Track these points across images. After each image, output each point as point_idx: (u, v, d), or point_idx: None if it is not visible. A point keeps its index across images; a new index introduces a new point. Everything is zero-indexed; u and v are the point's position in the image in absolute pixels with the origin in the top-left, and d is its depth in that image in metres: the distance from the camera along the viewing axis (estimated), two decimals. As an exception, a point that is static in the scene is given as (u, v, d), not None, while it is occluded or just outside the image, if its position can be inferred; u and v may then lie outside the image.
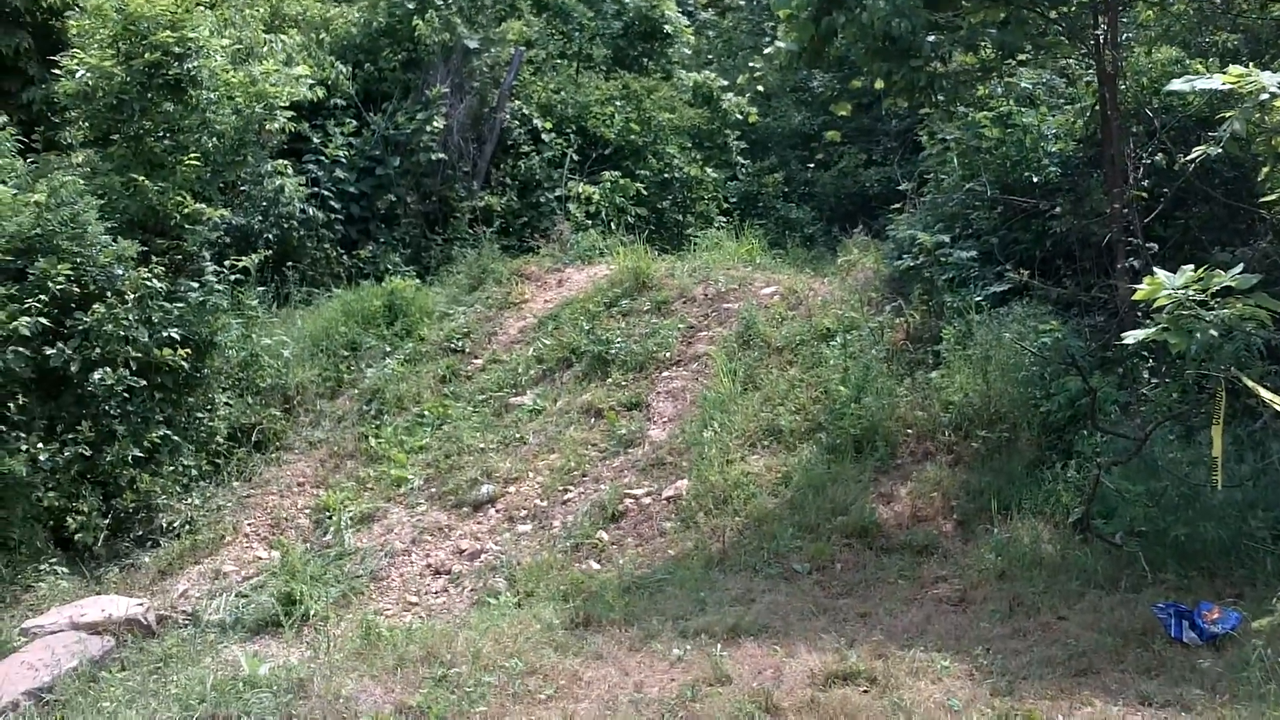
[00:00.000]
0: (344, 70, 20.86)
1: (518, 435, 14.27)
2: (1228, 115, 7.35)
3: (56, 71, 15.87)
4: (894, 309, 14.76)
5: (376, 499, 13.41)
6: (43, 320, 12.82)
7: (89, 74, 15.23)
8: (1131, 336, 7.58)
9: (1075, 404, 11.65)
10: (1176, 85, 7.81)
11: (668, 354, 15.23)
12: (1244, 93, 7.17)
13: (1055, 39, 14.08)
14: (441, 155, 20.89)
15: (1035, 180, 14.47)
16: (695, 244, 20.43)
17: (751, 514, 11.88)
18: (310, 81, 18.22)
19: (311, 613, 11.07)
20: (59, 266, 13.14)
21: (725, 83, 25.32)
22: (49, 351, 12.99)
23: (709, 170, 23.63)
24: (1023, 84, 15.83)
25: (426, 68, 21.63)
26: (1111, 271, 12.91)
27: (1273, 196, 8.41)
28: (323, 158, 19.90)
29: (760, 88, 22.75)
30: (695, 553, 11.40)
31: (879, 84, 13.46)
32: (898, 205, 16.98)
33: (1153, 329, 7.25)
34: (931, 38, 12.68)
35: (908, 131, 22.47)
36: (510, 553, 11.91)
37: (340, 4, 23.54)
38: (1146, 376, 11.97)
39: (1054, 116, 15.08)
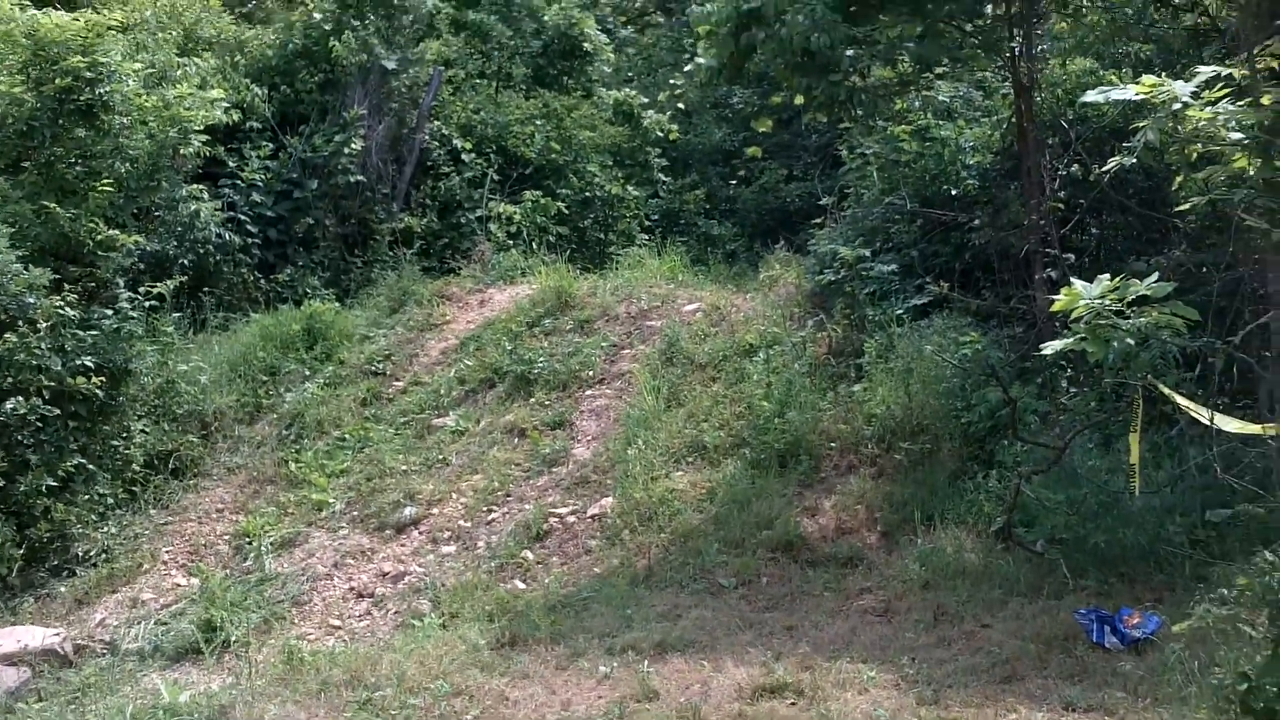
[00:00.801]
0: (260, 93, 20.65)
1: (440, 457, 14.16)
2: (1141, 125, 7.39)
3: (-37, 98, 15.62)
4: (816, 323, 14.80)
5: (297, 523, 13.25)
6: (-50, 353, 12.61)
7: (-2, 100, 15.04)
8: (1050, 347, 7.60)
9: (996, 414, 11.73)
10: (1091, 96, 7.85)
11: (591, 372, 15.18)
12: (1157, 103, 7.22)
13: (972, 52, 14.21)
14: (360, 177, 20.73)
15: (954, 193, 14.58)
16: (617, 262, 20.39)
17: (677, 530, 11.85)
18: (225, 105, 18.04)
19: (232, 639, 10.90)
20: (-32, 296, 12.94)
21: (646, 100, 25.32)
22: (-41, 383, 12.78)
23: (630, 188, 23.61)
24: (940, 97, 15.95)
25: (344, 89, 21.48)
26: (1030, 282, 13.02)
27: (1186, 205, 8.47)
28: (239, 181, 19.68)
29: (681, 105, 22.90)
30: (621, 570, 11.36)
31: (799, 99, 13.51)
32: (819, 220, 17.06)
33: (1071, 339, 7.27)
34: (850, 52, 12.77)
35: (828, 146, 22.59)
36: (434, 574, 11.80)
37: (255, 26, 23.36)
38: (1065, 386, 12.07)
39: (972, 129, 15.20)
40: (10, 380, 12.92)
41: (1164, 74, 7.47)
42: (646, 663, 9.05)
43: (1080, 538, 10.19)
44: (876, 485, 12.01)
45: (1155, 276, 7.30)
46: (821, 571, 11.03)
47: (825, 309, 14.99)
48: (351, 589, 11.90)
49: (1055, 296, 7.35)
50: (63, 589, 12.55)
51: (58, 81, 14.94)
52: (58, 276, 14.09)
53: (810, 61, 12.64)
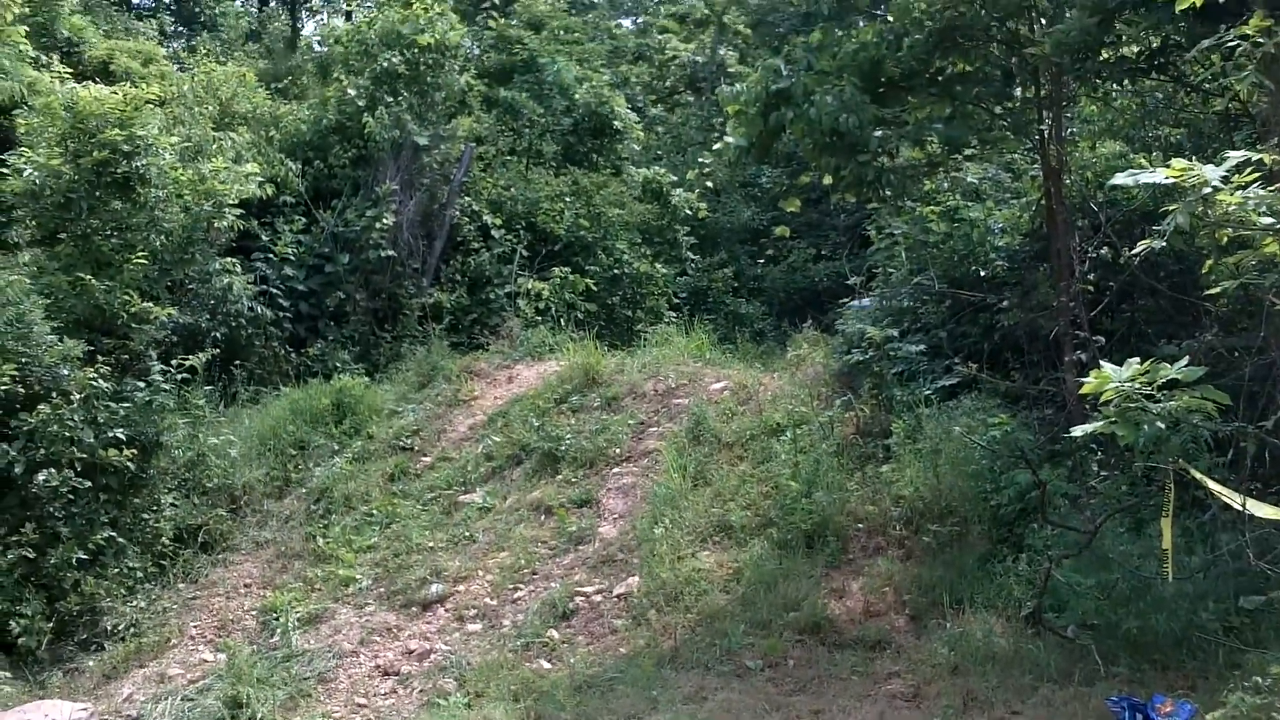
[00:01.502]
0: (294, 167, 20.89)
1: (467, 533, 14.14)
2: (1171, 209, 7.41)
3: (4, 170, 15.81)
4: (843, 403, 14.77)
5: (324, 599, 13.21)
6: (-14, 422, 12.69)
7: (37, 172, 15.24)
8: (1080, 430, 7.59)
9: (1025, 497, 11.66)
10: (1121, 179, 7.87)
11: (618, 450, 15.17)
12: (1187, 186, 7.24)
13: (1001, 134, 14.25)
14: (391, 252, 20.89)
15: (983, 274, 14.60)
16: (645, 340, 20.42)
17: (703, 610, 11.78)
18: (259, 179, 18.26)
19: (258, 716, 10.84)
20: (4, 367, 13.02)
21: (675, 178, 25.51)
22: (-8, 453, 12.85)
23: (659, 266, 23.74)
24: (969, 179, 16.01)
25: (376, 164, 21.70)
26: (1059, 365, 12.99)
27: (1217, 289, 8.47)
28: (271, 255, 19.85)
29: (709, 183, 22.98)
30: (647, 650, 11.27)
31: (827, 179, 13.57)
32: (846, 299, 17.07)
33: (1101, 422, 7.26)
34: (878, 133, 12.80)
35: (856, 226, 22.72)
36: (460, 652, 11.74)
37: (290, 102, 23.65)
38: (1095, 469, 12.01)
39: (1000, 211, 15.24)
40: (43, 452, 12.97)
41: (1194, 158, 7.49)
42: (672, 745, 9.00)
43: (1112, 623, 10.10)
44: (904, 567, 11.93)
45: (1186, 360, 7.30)
46: (849, 654, 10.93)
47: (853, 389, 14.97)
48: (377, 666, 11.84)
49: (1085, 379, 7.34)
50: (91, 663, 12.54)
51: (95, 154, 15.14)
52: (91, 348, 14.20)
53: (839, 142, 12.68)
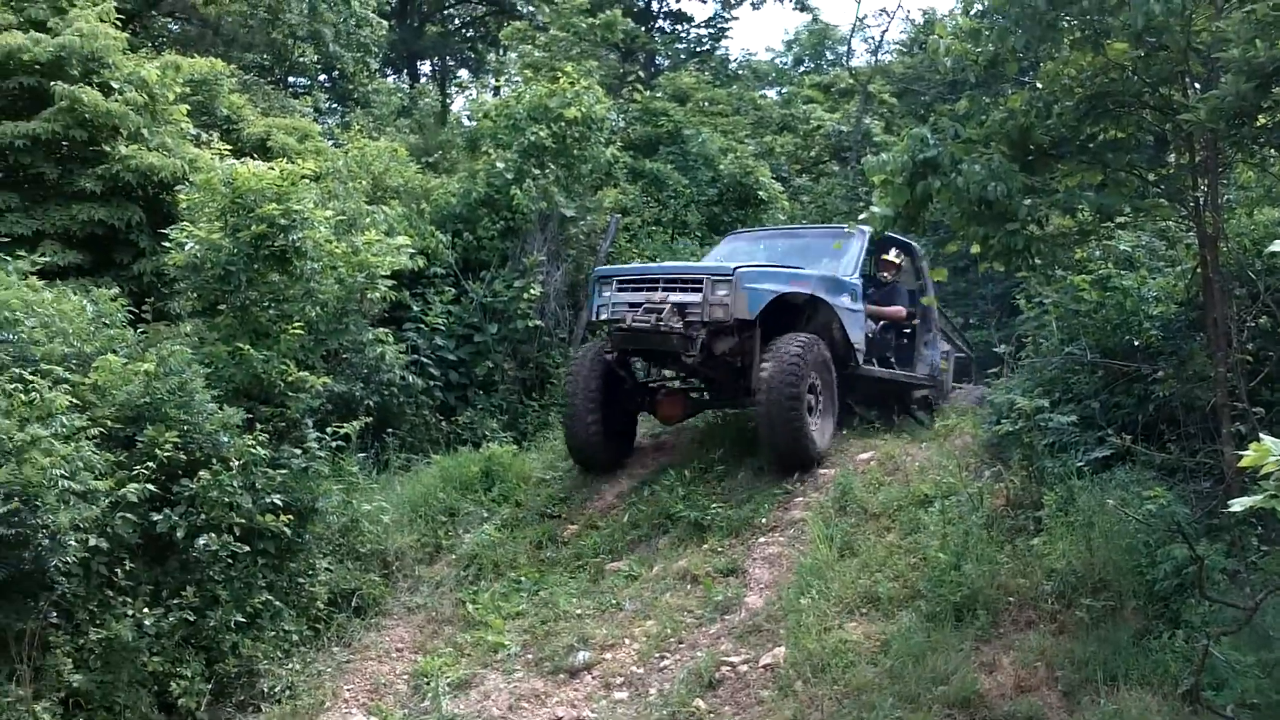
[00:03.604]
0: (444, 239, 21.31)
1: (614, 601, 14.20)
2: (1331, 277, 7.30)
3: (166, 244, 16.35)
4: (993, 474, 14.61)
5: (474, 665, 13.33)
6: (150, 487, 13.02)
7: (197, 246, 15.68)
8: (1239, 504, 7.43)
9: (1182, 572, 11.40)
10: (1279, 247, 7.76)
11: (764, 520, 15.16)
12: (1347, 254, 7.13)
13: (1154, 201, 14.04)
14: (538, 322, 21.18)
15: (1136, 344, 14.37)
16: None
17: (850, 683, 11.67)
18: (411, 251, 18.63)
19: (408, 780, 10.97)
20: (166, 434, 13.38)
21: (821, 248, 25.48)
22: (156, 518, 13.17)
23: (810, 335, 23.69)
24: (1122, 246, 15.78)
25: (524, 236, 22.04)
26: (1217, 437, 12.72)
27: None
28: (422, 325, 20.23)
29: (856, 253, 22.87)
30: (794, 722, 11.22)
31: (975, 248, 13.46)
32: (995, 369, 16.91)
33: (1260, 496, 7.11)
34: (1028, 201, 12.68)
35: (1005, 295, 22.50)
36: (607, 720, 11.80)
37: (440, 175, 24.16)
38: (1256, 544, 11.73)
39: (1154, 279, 15.01)
40: (203, 517, 13.30)
41: (1355, 227, 7.37)
42: (821, 819, 8.93)
43: (1273, 703, 9.82)
44: (1057, 642, 11.72)
45: (1350, 434, 7.13)
46: (1000, 730, 10.77)
47: (1002, 460, 14.80)
48: (526, 734, 11.95)
49: (1244, 452, 7.18)
50: (246, 725, 12.80)
51: (253, 228, 15.55)
52: (250, 416, 14.55)
53: (987, 210, 12.60)
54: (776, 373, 15.41)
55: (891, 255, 19.19)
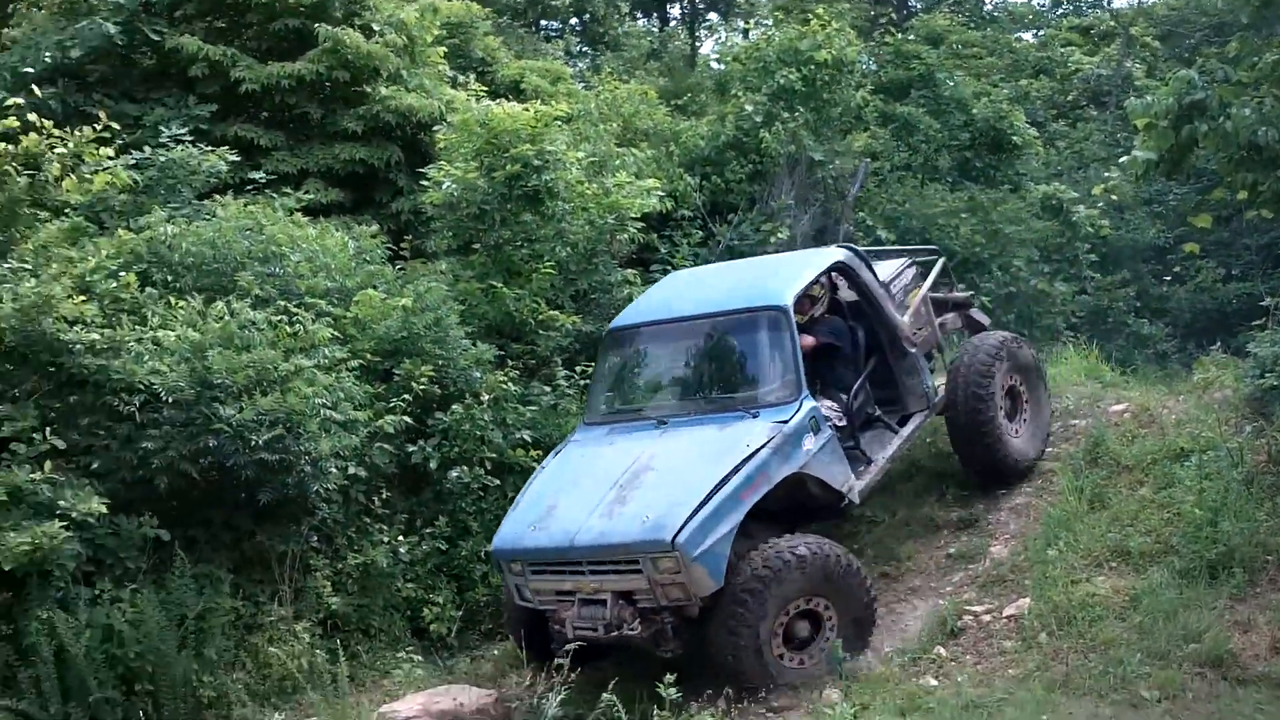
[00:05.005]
0: (692, 182, 21.37)
1: (854, 546, 14.16)
2: None
3: (424, 183, 16.81)
4: (1254, 430, 14.07)
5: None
6: (406, 419, 13.51)
7: (454, 185, 16.08)
8: None
9: None
10: None
11: (1011, 470, 14.92)
12: None
13: None
14: (786, 266, 21.11)
15: None
16: (1041, 359, 19.97)
17: (1096, 637, 11.43)
18: (659, 193, 18.72)
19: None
20: (422, 368, 13.84)
21: (1076, 194, 24.85)
22: (411, 449, 13.68)
23: (1057, 284, 23.19)
24: (1401, 195, 15.01)
25: (772, 180, 21.97)
26: None
27: None
28: (669, 267, 20.34)
29: (1114, 198, 22.30)
30: (1036, 674, 11.03)
31: (1242, 195, 12.99)
32: (1260, 322, 16.29)
33: None
34: (1300, 147, 12.19)
35: (1272, 245, 21.63)
36: (847, 664, 11.79)
37: (689, 118, 24.21)
38: None
39: None
40: (456, 450, 13.73)
41: None
42: (1062, 772, 8.81)
43: None
44: (1317, 603, 11.31)
45: None
46: (1253, 691, 10.40)
47: (1265, 415, 14.25)
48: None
49: None
50: (495, 652, 13.18)
51: (508, 168, 15.89)
52: (501, 353, 14.95)
53: (1256, 156, 12.14)
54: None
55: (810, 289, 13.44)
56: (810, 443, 11.94)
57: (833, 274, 13.62)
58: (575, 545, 11.23)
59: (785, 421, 11.76)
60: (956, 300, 15.99)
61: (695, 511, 10.87)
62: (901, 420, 13.86)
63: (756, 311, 12.58)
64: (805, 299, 13.09)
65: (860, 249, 13.97)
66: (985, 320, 16.34)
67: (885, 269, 14.51)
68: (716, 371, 12.90)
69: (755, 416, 11.87)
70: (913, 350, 13.74)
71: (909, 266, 15.21)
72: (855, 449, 12.98)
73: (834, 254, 13.53)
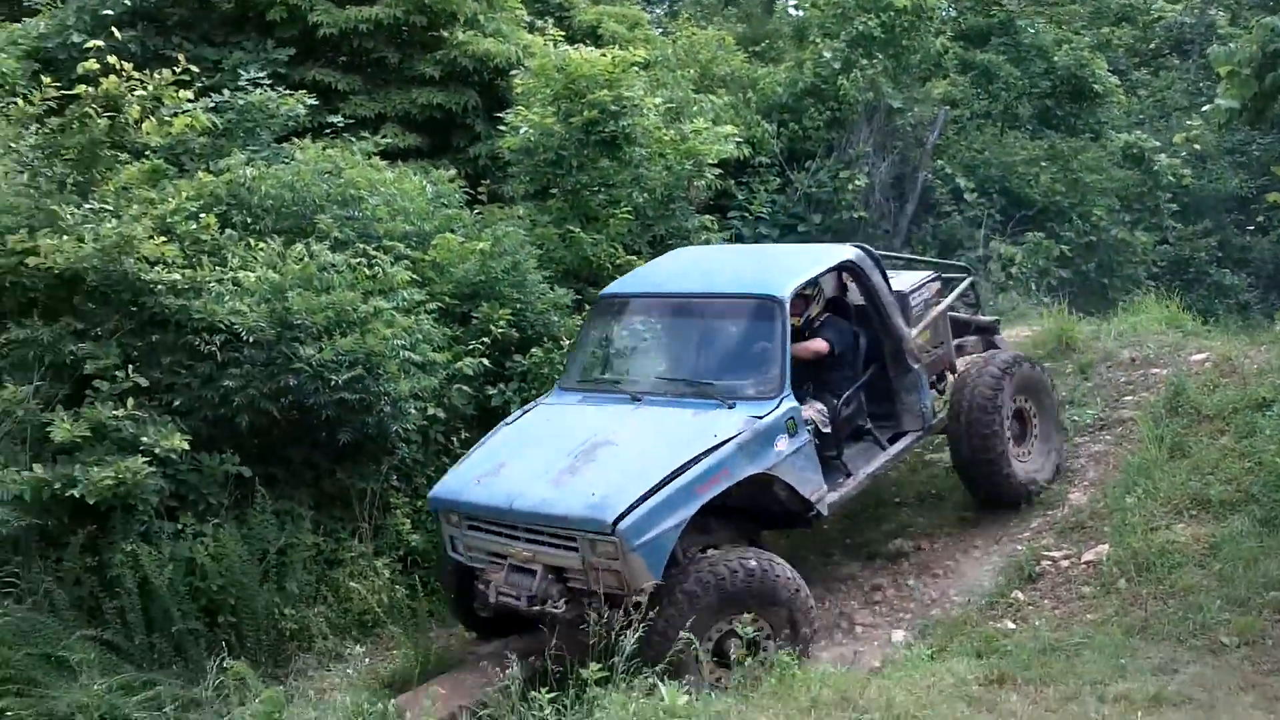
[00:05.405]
0: (769, 129, 21.35)
1: (932, 491, 14.17)
2: None
3: (501, 128, 16.87)
4: (1339, 380, 13.94)
5: (791, 545, 13.50)
6: (484, 362, 13.60)
7: (531, 130, 16.13)
8: None
9: None
10: None
11: (1089, 419, 14.82)
12: None
13: None
14: (863, 213, 21.09)
15: None
16: (1121, 308, 19.79)
17: (1175, 583, 11.39)
18: (737, 140, 18.68)
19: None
20: (500, 312, 13.93)
21: (1157, 143, 24.55)
22: (490, 391, 13.78)
23: (1137, 233, 22.98)
24: None
25: (850, 127, 21.91)
26: None
27: None
28: (747, 214, 20.38)
29: (1196, 147, 22.02)
30: (1115, 619, 11.02)
31: (1327, 143, 12.83)
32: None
33: None
34: (1388, 94, 12.01)
35: (1354, 199, 21.28)
36: (925, 606, 11.82)
37: (767, 64, 24.13)
38: None
39: None
40: (535, 393, 13.82)
41: None
42: (1140, 714, 8.80)
43: None
44: (1400, 554, 11.19)
45: None
46: (1334, 637, 10.38)
47: (1349, 365, 14.11)
48: (841, 614, 12.08)
49: None
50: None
51: (585, 114, 15.92)
52: (579, 297, 15.01)
53: (1342, 104, 12.00)
54: None
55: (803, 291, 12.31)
56: (783, 444, 10.95)
57: (841, 274, 12.67)
58: (513, 509, 10.49)
59: (760, 417, 10.81)
60: (981, 324, 15.06)
61: (644, 498, 9.94)
62: (893, 438, 12.87)
63: (751, 299, 11.77)
64: (800, 299, 12.05)
65: (875, 251, 12.72)
66: (1007, 348, 15.24)
67: (908, 279, 13.57)
68: (702, 355, 12.07)
69: (731, 408, 10.94)
70: (915, 366, 12.71)
71: (934, 280, 14.03)
72: (836, 459, 12.03)
73: (844, 252, 12.42)
